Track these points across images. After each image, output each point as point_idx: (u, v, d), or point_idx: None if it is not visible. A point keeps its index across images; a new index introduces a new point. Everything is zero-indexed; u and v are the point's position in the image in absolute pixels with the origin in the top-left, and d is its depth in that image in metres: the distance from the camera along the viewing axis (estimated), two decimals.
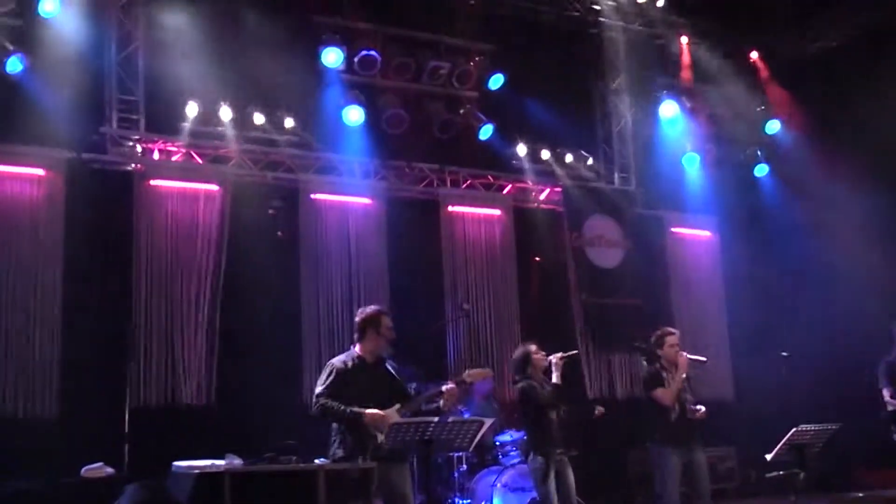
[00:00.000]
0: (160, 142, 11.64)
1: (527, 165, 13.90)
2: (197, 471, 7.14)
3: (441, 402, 7.41)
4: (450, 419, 6.90)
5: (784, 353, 10.03)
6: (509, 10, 13.67)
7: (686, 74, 15.03)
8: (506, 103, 13.55)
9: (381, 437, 6.95)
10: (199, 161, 11.86)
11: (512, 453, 10.56)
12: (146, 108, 11.51)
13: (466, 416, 9.93)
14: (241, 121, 11.91)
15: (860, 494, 8.31)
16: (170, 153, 11.71)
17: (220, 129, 11.83)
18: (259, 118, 11.98)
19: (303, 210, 12.27)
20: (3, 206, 10.55)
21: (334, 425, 7.39)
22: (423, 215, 13.13)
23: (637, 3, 14.47)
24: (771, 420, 9.39)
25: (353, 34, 12.55)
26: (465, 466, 10.76)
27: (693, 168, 14.96)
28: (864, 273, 13.85)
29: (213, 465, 7.17)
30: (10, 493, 8.15)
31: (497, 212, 13.74)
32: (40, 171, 10.76)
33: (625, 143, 14.95)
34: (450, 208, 13.35)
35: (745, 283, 14.74)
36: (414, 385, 7.76)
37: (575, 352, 8.94)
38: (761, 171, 15.46)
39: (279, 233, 11.96)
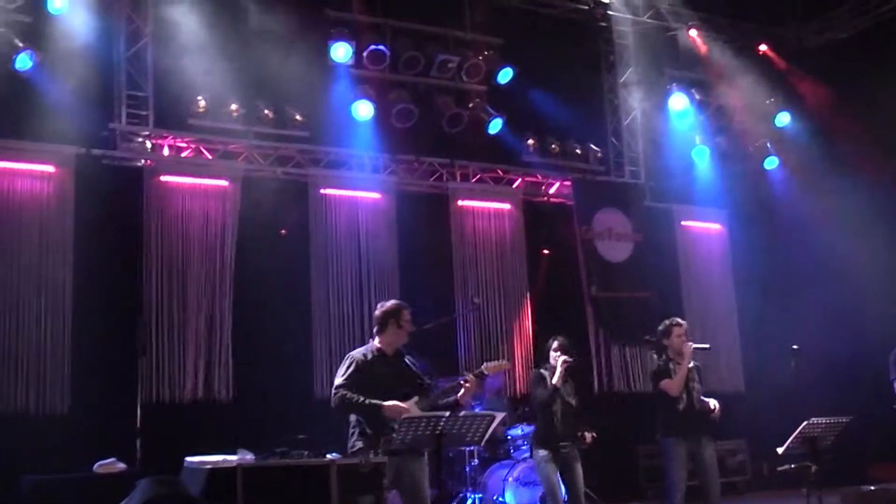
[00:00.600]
0: (169, 137, 11.65)
1: (536, 159, 13.89)
2: (209, 466, 7.16)
3: (459, 394, 7.43)
4: (461, 413, 6.90)
5: (794, 346, 9.98)
6: (518, 3, 13.67)
7: (695, 67, 14.99)
8: (515, 97, 13.53)
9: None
10: (209, 156, 11.87)
11: (523, 447, 10.57)
12: (155, 103, 11.52)
13: (478, 410, 9.95)
14: (251, 116, 11.91)
15: (872, 487, 8.28)
16: (179, 149, 11.72)
17: (229, 124, 11.83)
18: (268, 113, 11.98)
19: (312, 205, 12.27)
20: (13, 203, 10.58)
21: (353, 417, 7.39)
22: (433, 209, 13.13)
23: None
24: (782, 413, 9.39)
25: (362, 29, 12.53)
26: (476, 461, 10.78)
27: (703, 161, 14.93)
28: (875, 265, 13.82)
29: (225, 459, 7.19)
30: (24, 489, 8.17)
31: (507, 205, 13.73)
32: (50, 168, 10.79)
33: (634, 136, 14.93)
34: (459, 202, 13.35)
35: (755, 275, 14.71)
36: (428, 379, 7.75)
37: (572, 360, 8.96)
38: (771, 163, 15.42)
39: (282, 231, 11.94)
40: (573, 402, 8.92)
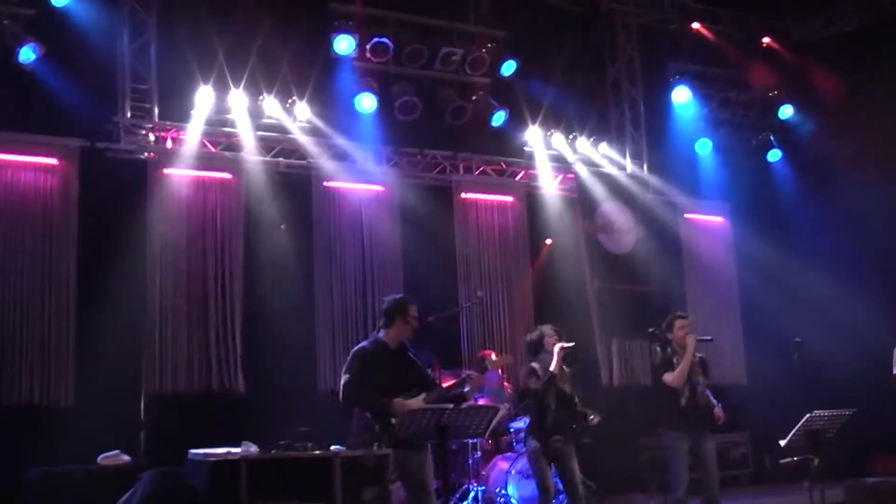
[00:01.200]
0: (173, 130, 11.65)
1: (539, 152, 13.89)
2: (213, 458, 7.19)
3: (466, 389, 7.45)
4: (465, 405, 6.92)
5: (797, 339, 10.00)
6: None
7: (699, 60, 14.99)
8: (518, 89, 13.54)
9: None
10: (213, 149, 11.88)
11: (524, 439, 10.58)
12: (159, 96, 11.53)
13: (480, 402, 9.97)
14: (254, 109, 11.93)
15: (875, 480, 8.30)
16: (183, 141, 11.72)
17: (232, 117, 11.85)
18: (272, 106, 11.99)
19: (316, 197, 12.29)
20: (17, 195, 10.60)
21: (357, 411, 7.42)
22: (436, 202, 13.12)
23: None
24: (784, 406, 9.40)
25: (366, 21, 12.50)
26: (479, 453, 10.79)
27: (706, 154, 14.95)
28: (878, 258, 13.82)
29: (229, 452, 7.21)
30: (28, 480, 8.20)
31: (510, 198, 13.76)
32: (54, 161, 10.82)
33: (638, 128, 14.92)
34: (463, 195, 13.37)
35: (758, 268, 14.70)
36: (431, 372, 7.77)
37: (572, 344, 8.89)
38: (774, 156, 15.43)
39: (282, 225, 11.93)
40: (569, 391, 8.82)
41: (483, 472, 10.72)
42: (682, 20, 14.91)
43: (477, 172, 13.63)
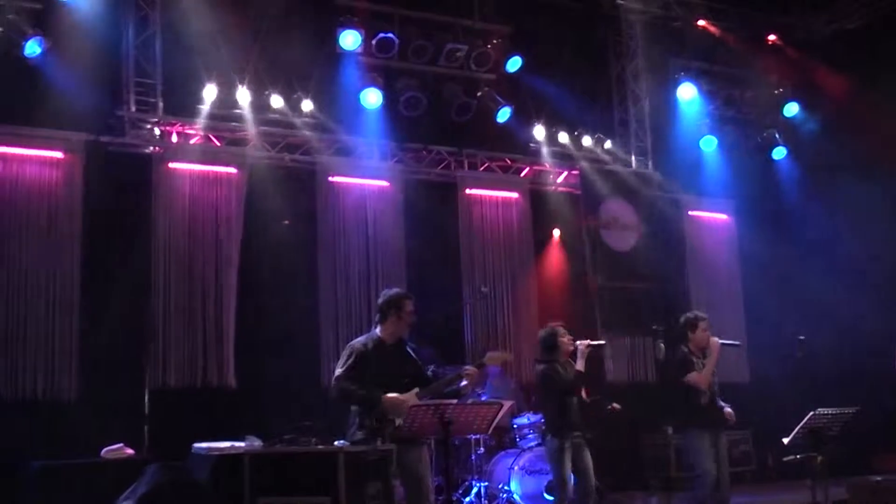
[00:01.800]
0: (178, 124, 11.66)
1: (544, 148, 13.90)
2: (217, 452, 7.21)
3: (463, 384, 7.43)
4: (469, 401, 6.92)
5: (801, 337, 10.00)
6: None
7: (704, 56, 14.98)
8: (523, 86, 13.53)
9: (399, 421, 6.97)
10: (218, 144, 11.89)
11: (529, 436, 10.60)
12: (164, 90, 11.53)
13: (484, 398, 9.98)
14: (259, 103, 11.93)
15: (878, 478, 8.30)
16: (188, 136, 11.73)
17: (238, 111, 11.86)
18: (277, 101, 12.00)
19: (320, 192, 12.29)
20: (22, 188, 10.60)
21: (354, 408, 7.41)
22: (441, 198, 13.14)
23: None
24: (787, 404, 9.40)
25: (371, 17, 12.50)
26: (482, 449, 10.80)
27: (710, 151, 14.92)
28: (882, 256, 13.81)
29: (232, 446, 7.23)
30: (32, 474, 8.21)
31: (514, 194, 13.75)
32: (59, 154, 10.82)
33: (642, 125, 14.91)
34: (467, 191, 13.37)
35: (762, 266, 14.70)
36: (432, 368, 7.76)
37: (602, 342, 8.90)
38: (779, 153, 15.41)
39: (286, 221, 11.93)
40: (583, 391, 8.89)
41: (486, 468, 10.74)
42: (687, 17, 14.88)
43: (481, 168, 13.63)
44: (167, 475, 6.88)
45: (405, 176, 12.92)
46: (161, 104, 11.52)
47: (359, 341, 7.58)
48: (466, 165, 13.51)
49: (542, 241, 13.82)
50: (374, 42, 12.42)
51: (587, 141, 14.16)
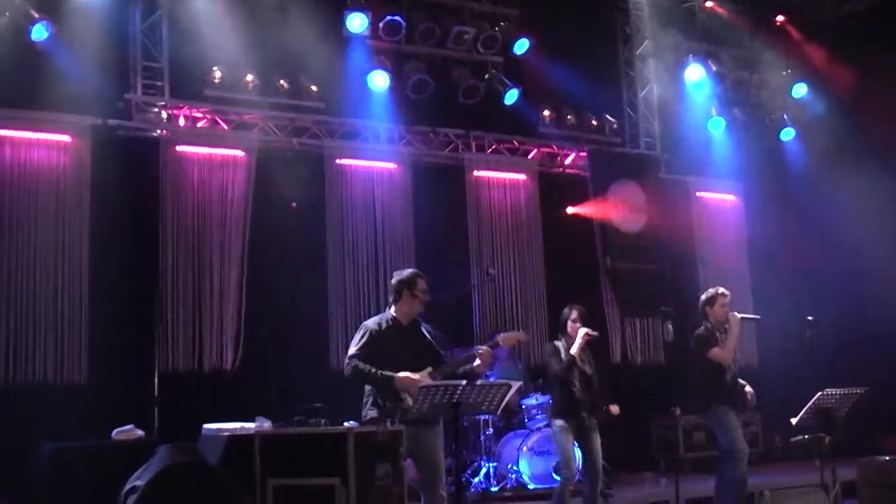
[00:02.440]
0: (185, 108, 11.66)
1: (552, 130, 13.89)
2: (227, 433, 7.25)
3: (475, 364, 7.44)
4: (478, 382, 6.93)
5: (809, 318, 10.00)
6: None
7: (712, 38, 14.93)
8: (531, 68, 13.50)
9: (410, 401, 6.99)
10: (225, 127, 11.89)
11: (538, 417, 10.63)
12: (171, 74, 11.53)
13: (492, 379, 9.99)
14: (266, 87, 11.92)
15: (887, 458, 8.31)
16: (195, 119, 11.74)
17: (244, 95, 11.85)
18: (284, 84, 11.99)
19: (328, 176, 12.30)
20: (29, 172, 10.62)
21: (367, 387, 7.43)
22: (449, 180, 13.14)
23: None
24: (796, 385, 9.40)
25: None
26: (491, 430, 10.84)
27: (718, 132, 14.89)
28: (890, 237, 13.78)
29: (243, 427, 7.26)
30: (42, 455, 8.25)
31: (522, 176, 13.75)
32: (66, 138, 10.83)
33: (650, 107, 14.90)
34: (475, 173, 13.36)
35: (770, 247, 14.69)
36: (443, 349, 7.77)
37: (596, 333, 8.95)
38: (787, 135, 15.38)
39: (293, 203, 11.93)
40: (590, 371, 8.91)
41: (495, 449, 10.77)
42: None
43: (489, 151, 13.62)
44: (178, 456, 6.90)
45: (413, 159, 12.92)
46: (168, 88, 11.53)
47: (373, 321, 7.60)
48: (474, 148, 13.49)
49: (550, 223, 13.78)
50: (381, 25, 12.40)
51: (595, 123, 14.13)
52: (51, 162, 10.75)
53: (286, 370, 11.08)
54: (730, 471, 8.93)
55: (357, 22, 12.19)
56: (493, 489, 10.42)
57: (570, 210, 13.92)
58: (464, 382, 6.70)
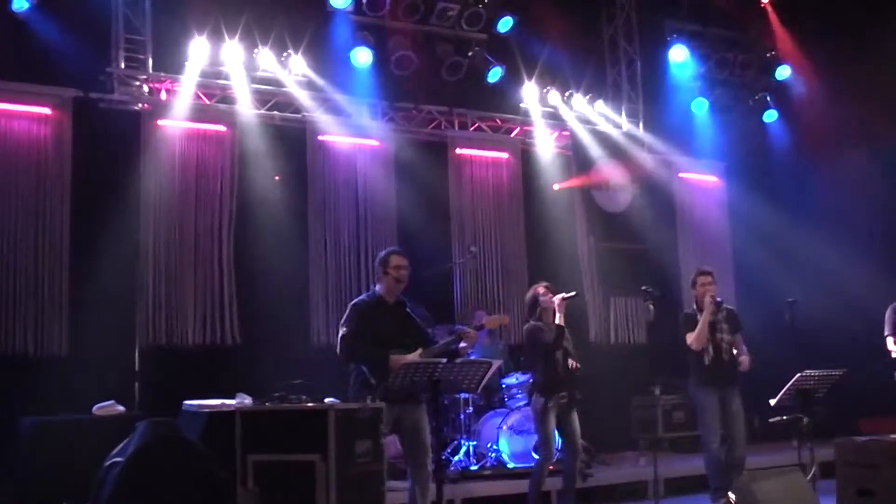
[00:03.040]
0: (167, 81, 11.59)
1: (535, 109, 13.84)
2: (207, 409, 7.22)
3: (462, 345, 7.48)
4: (458, 360, 6.95)
5: (789, 299, 10.06)
6: None
7: (696, 18, 14.92)
8: (515, 46, 13.45)
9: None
10: (207, 101, 11.82)
11: (518, 396, 10.66)
12: (153, 47, 11.46)
13: (473, 357, 9.99)
14: (249, 61, 11.85)
15: (865, 438, 8.38)
16: (177, 93, 11.65)
17: (227, 69, 11.78)
18: (267, 58, 11.91)
19: (310, 151, 12.25)
20: (10, 144, 10.56)
21: (353, 365, 7.45)
22: (431, 157, 13.09)
23: None
24: (775, 366, 9.44)
25: None
26: (471, 408, 10.84)
27: (702, 113, 14.90)
28: (872, 219, 13.84)
29: (223, 404, 7.24)
30: (22, 430, 8.23)
31: (505, 154, 13.72)
32: (47, 110, 10.76)
33: (634, 87, 14.87)
34: (458, 151, 13.33)
35: (752, 228, 14.71)
36: (427, 328, 7.79)
37: (574, 293, 8.95)
38: (770, 116, 15.39)
39: (277, 176, 11.91)
40: (570, 348, 8.92)
41: (475, 428, 10.79)
42: None
43: (472, 128, 13.59)
44: (158, 431, 6.88)
45: (396, 135, 12.88)
46: (150, 61, 11.46)
47: (361, 299, 7.66)
48: (457, 125, 13.46)
49: (532, 202, 13.78)
50: (364, 0, 12.32)
51: (578, 102, 14.11)
52: (31, 134, 10.67)
53: (267, 346, 11.07)
54: (704, 451, 9.24)
55: None
56: (473, 468, 10.43)
57: (556, 186, 13.92)
58: (444, 360, 6.72)
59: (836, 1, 14.66)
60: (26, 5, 10.39)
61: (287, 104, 12.28)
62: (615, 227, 14.05)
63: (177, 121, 11.46)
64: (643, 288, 9.45)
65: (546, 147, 14.10)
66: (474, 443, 10.65)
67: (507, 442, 10.41)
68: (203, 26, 11.45)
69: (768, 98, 15.33)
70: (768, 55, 15.25)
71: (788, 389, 8.55)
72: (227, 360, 11.02)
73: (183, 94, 11.62)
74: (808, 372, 8.54)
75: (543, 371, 8.80)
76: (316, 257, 11.99)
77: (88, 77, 11.03)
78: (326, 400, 6.98)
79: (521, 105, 13.84)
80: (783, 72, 15.22)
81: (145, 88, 11.50)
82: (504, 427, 10.45)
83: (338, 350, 7.42)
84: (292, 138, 12.22)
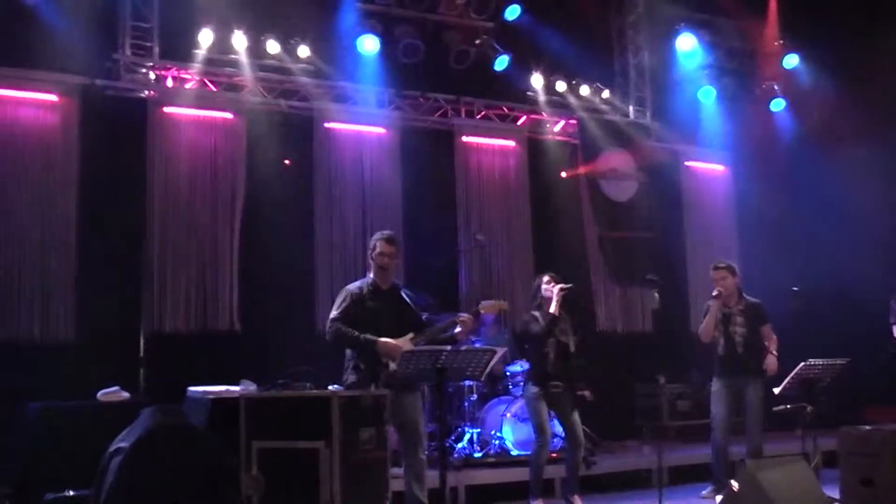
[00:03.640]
0: (174, 69, 11.59)
1: (542, 97, 13.82)
2: (212, 396, 7.25)
3: (457, 330, 7.47)
4: (463, 347, 6.96)
5: (795, 288, 10.06)
6: None
7: (704, 7, 14.87)
8: (522, 34, 13.41)
9: (393, 366, 7.02)
10: (213, 89, 11.83)
11: (522, 384, 10.66)
12: (160, 34, 11.45)
13: (477, 345, 10.01)
14: (256, 48, 11.85)
15: (868, 427, 8.37)
16: (183, 80, 11.67)
17: (234, 56, 11.78)
18: (274, 46, 11.91)
19: (317, 139, 12.25)
20: (17, 131, 10.57)
21: (347, 351, 7.46)
22: (438, 145, 13.10)
23: None
24: (781, 354, 9.44)
25: None
26: (475, 396, 10.87)
27: (709, 102, 14.86)
28: (880, 208, 13.81)
29: (228, 390, 7.28)
30: (28, 416, 8.27)
31: (511, 143, 13.71)
32: (54, 97, 10.76)
33: (641, 75, 14.84)
34: (464, 139, 13.32)
35: (758, 217, 14.70)
36: (426, 315, 7.79)
37: (570, 286, 8.98)
38: (777, 105, 15.35)
39: (286, 161, 11.93)
40: (569, 342, 8.93)
41: (479, 415, 10.81)
42: None
43: (479, 116, 13.57)
44: (163, 418, 6.92)
45: (402, 123, 12.88)
46: (157, 48, 11.46)
47: (354, 285, 7.64)
48: (464, 113, 13.45)
49: (538, 191, 13.77)
50: None
51: (585, 90, 14.08)
52: (38, 121, 10.69)
53: (272, 333, 11.11)
54: (711, 440, 9.31)
55: None
56: (477, 455, 10.45)
57: (563, 174, 13.92)
58: (449, 347, 6.73)
59: None
60: None
61: (294, 92, 12.28)
62: (621, 215, 14.04)
63: (183, 108, 11.48)
64: (647, 276, 9.48)
65: (553, 135, 14.07)
66: (478, 430, 10.66)
67: (511, 429, 10.43)
68: (210, 14, 11.44)
69: (775, 87, 15.28)
70: (776, 44, 15.18)
71: (793, 378, 8.56)
72: (232, 346, 11.04)
73: (189, 81, 11.64)
74: (812, 361, 8.55)
75: (535, 362, 8.96)
76: (322, 244, 12.00)
77: (95, 64, 11.03)
78: (331, 387, 7.00)
79: (528, 93, 13.82)
80: (790, 60, 15.16)
81: (152, 76, 11.50)
82: (508, 415, 10.47)
83: (326, 335, 7.45)
84: (299, 126, 12.22)
